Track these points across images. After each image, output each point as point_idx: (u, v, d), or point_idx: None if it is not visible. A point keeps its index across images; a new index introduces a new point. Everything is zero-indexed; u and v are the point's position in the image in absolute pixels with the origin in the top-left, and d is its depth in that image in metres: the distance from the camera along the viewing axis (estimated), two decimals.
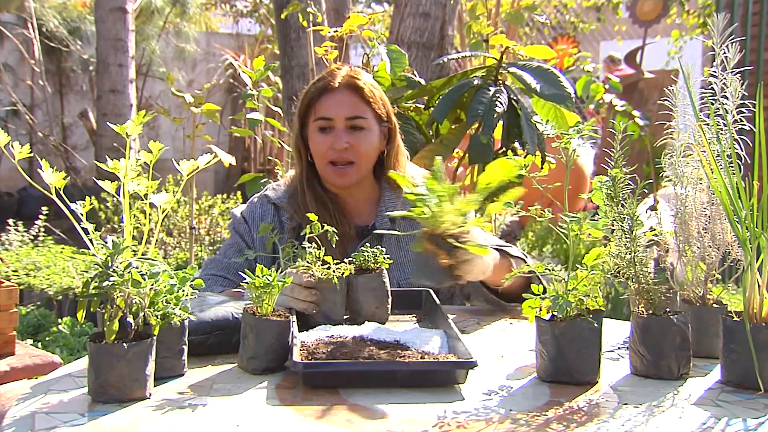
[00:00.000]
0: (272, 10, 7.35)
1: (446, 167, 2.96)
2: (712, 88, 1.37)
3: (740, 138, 1.36)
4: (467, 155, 2.59)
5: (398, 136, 2.00)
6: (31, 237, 5.40)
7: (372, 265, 1.60)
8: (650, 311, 1.36)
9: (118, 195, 1.36)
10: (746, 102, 1.36)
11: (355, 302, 1.61)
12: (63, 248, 5.14)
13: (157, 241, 1.73)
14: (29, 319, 3.88)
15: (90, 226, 1.29)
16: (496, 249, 1.81)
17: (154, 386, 1.27)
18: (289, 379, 1.34)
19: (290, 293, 1.55)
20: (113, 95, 6.86)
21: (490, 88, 2.49)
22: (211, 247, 5.39)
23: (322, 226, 1.61)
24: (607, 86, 5.12)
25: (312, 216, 1.62)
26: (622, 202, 1.38)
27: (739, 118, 1.36)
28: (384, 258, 1.62)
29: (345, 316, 1.61)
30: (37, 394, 1.26)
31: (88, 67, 9.36)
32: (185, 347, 1.35)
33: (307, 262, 1.58)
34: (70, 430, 1.11)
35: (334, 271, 1.56)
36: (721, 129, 1.36)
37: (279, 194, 1.97)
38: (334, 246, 1.65)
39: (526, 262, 1.81)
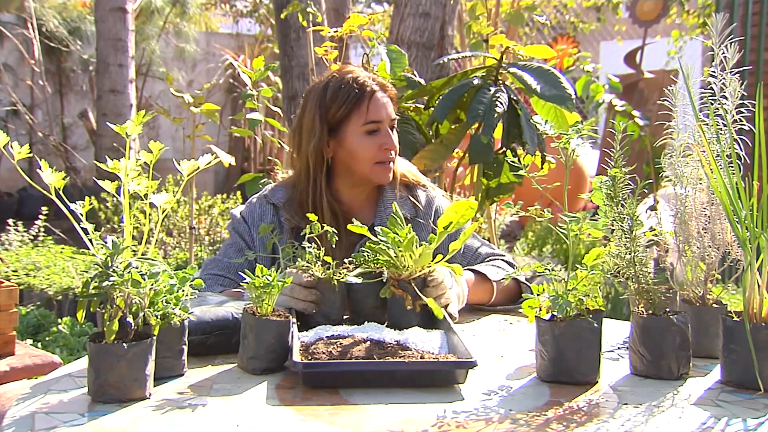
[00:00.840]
0: (272, 10, 7.35)
1: (446, 167, 2.97)
2: (712, 88, 1.37)
3: (740, 138, 1.36)
4: (467, 155, 2.59)
5: None
6: (31, 237, 5.40)
7: (372, 266, 1.60)
8: (650, 311, 1.36)
9: (118, 195, 1.36)
10: (746, 102, 1.36)
11: (355, 302, 1.61)
12: (63, 248, 5.14)
13: (156, 241, 1.73)
14: (29, 319, 3.88)
15: (90, 226, 1.29)
16: (472, 270, 1.85)
17: (154, 386, 1.27)
18: (289, 379, 1.34)
19: (290, 293, 1.56)
20: (113, 95, 6.86)
21: (491, 88, 2.49)
22: (210, 247, 5.39)
23: (322, 227, 1.61)
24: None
25: (312, 216, 1.62)
26: (622, 202, 1.38)
27: (739, 118, 1.36)
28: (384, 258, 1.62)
29: (345, 316, 1.61)
30: (36, 394, 1.26)
31: (88, 67, 9.36)
32: (185, 347, 1.35)
33: (307, 262, 1.58)
34: (70, 430, 1.11)
35: (333, 272, 1.56)
36: (721, 129, 1.36)
37: (278, 195, 1.98)
38: (334, 247, 1.65)
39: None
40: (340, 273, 1.57)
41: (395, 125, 1.97)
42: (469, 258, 1.98)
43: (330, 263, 1.58)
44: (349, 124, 1.92)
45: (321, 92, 1.95)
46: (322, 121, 1.93)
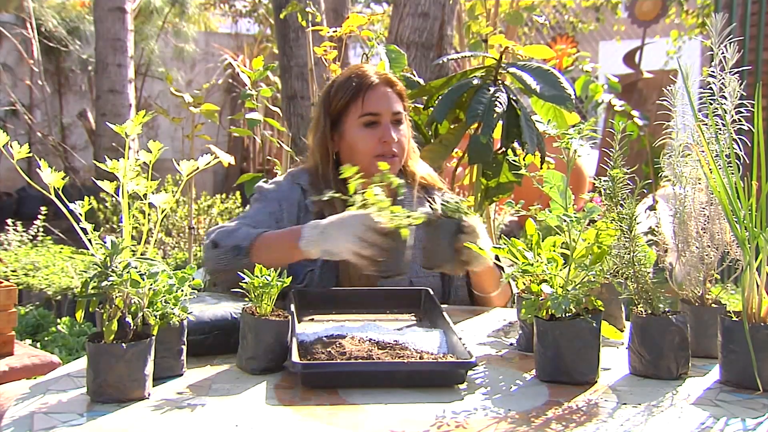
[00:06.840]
0: (271, 9, 7.35)
1: (445, 167, 2.97)
2: (711, 88, 1.37)
3: (739, 138, 1.36)
4: (466, 155, 2.59)
5: (410, 129, 2.04)
6: (30, 237, 5.40)
7: (456, 215, 1.63)
8: (649, 311, 1.36)
9: (117, 195, 1.35)
10: (745, 102, 1.36)
11: (435, 243, 1.62)
12: (62, 248, 5.14)
13: (156, 241, 1.73)
14: (28, 319, 3.88)
15: (89, 226, 1.29)
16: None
17: (153, 386, 1.27)
18: (288, 379, 1.34)
19: (362, 235, 1.50)
20: (112, 95, 6.86)
21: (490, 88, 2.49)
22: None
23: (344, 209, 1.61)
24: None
25: (349, 188, 1.60)
26: (621, 202, 1.38)
27: (738, 118, 1.36)
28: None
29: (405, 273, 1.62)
30: (35, 394, 1.26)
31: (87, 67, 9.35)
32: (184, 347, 1.35)
33: (380, 208, 1.48)
34: (69, 430, 1.11)
35: (404, 220, 1.47)
36: (720, 129, 1.36)
37: (303, 177, 1.99)
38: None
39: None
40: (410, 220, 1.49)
41: (402, 120, 1.95)
42: None
43: (400, 213, 1.48)
44: (348, 116, 1.92)
45: (329, 86, 1.98)
46: (326, 114, 1.94)
